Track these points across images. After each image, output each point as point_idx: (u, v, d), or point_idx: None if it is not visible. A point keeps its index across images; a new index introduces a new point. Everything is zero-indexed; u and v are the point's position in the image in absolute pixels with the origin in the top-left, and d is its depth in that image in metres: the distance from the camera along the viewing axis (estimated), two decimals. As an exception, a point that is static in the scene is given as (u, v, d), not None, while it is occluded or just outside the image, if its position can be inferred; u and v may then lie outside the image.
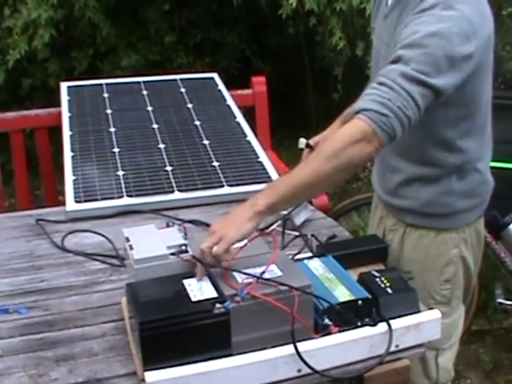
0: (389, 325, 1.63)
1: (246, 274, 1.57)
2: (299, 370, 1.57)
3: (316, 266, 1.81)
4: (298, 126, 5.97)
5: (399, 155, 2.05)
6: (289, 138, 5.92)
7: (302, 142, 2.33)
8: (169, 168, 2.73)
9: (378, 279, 1.75)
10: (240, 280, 1.58)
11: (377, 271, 1.78)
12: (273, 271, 1.61)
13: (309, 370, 1.57)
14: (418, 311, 1.70)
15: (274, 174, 2.73)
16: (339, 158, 1.70)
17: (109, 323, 1.82)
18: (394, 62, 1.79)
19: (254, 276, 1.56)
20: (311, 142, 2.31)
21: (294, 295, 1.53)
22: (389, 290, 1.70)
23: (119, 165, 2.73)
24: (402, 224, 2.14)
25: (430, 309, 1.75)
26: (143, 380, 1.48)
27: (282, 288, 1.55)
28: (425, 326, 1.68)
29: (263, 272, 1.57)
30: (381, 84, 1.77)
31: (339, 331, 1.61)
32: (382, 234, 2.21)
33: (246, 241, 1.74)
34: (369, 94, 1.78)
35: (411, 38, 1.78)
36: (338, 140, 1.74)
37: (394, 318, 1.66)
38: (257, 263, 1.64)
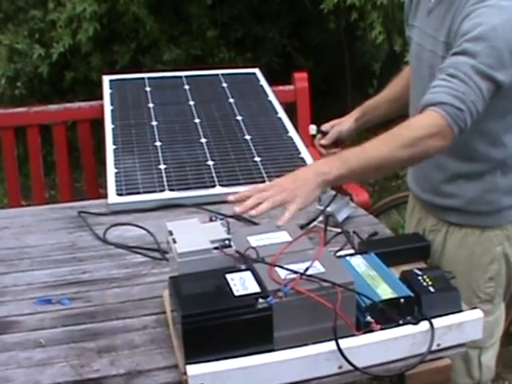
0: (431, 323, 1.62)
1: (289, 270, 1.57)
2: (340, 367, 1.57)
3: (358, 263, 1.80)
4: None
5: (443, 152, 2.02)
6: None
7: (313, 128, 2.38)
8: (210, 162, 2.73)
9: (420, 277, 1.73)
10: (283, 275, 1.58)
11: (419, 269, 1.77)
12: (316, 267, 1.60)
13: (349, 367, 1.56)
14: (460, 310, 1.68)
15: (315, 170, 2.71)
16: (416, 148, 1.74)
17: (150, 316, 1.83)
18: (458, 54, 1.78)
19: (297, 272, 1.55)
20: (323, 127, 2.35)
21: (337, 292, 1.52)
22: (431, 289, 1.69)
23: (161, 158, 2.74)
24: (443, 224, 2.12)
25: (474, 308, 1.72)
26: (185, 373, 1.49)
27: (325, 284, 1.54)
28: (467, 325, 1.67)
29: (307, 268, 1.57)
30: (452, 76, 1.77)
31: (381, 329, 1.60)
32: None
33: (291, 238, 1.75)
34: (441, 85, 1.77)
35: (476, 32, 1.77)
36: (416, 129, 1.76)
37: (435, 316, 1.64)
38: (300, 259, 1.64)
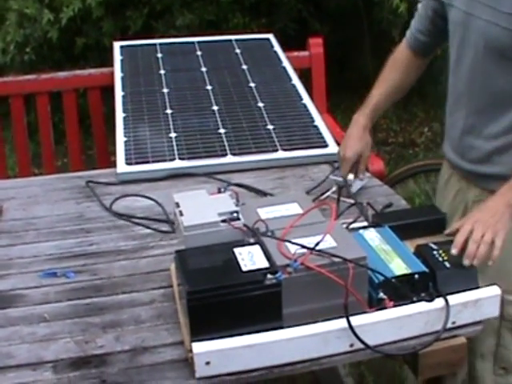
0: (446, 300, 1.56)
1: (299, 245, 1.51)
2: (351, 345, 1.52)
3: (372, 236, 1.74)
4: (355, 88, 5.83)
5: (497, 120, 1.96)
6: (345, 100, 5.82)
7: (351, 179, 2.26)
8: (222, 131, 2.67)
9: (435, 252, 1.67)
10: (293, 250, 1.52)
11: (435, 243, 1.71)
12: (327, 241, 1.55)
13: (361, 345, 1.51)
14: (477, 287, 1.62)
15: (329, 139, 2.65)
16: None
17: (157, 289, 1.79)
18: None
19: (307, 248, 1.50)
20: (352, 157, 2.25)
21: (349, 267, 1.47)
22: (447, 264, 1.63)
23: (171, 127, 2.68)
24: (488, 193, 1.98)
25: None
26: (190, 351, 1.44)
27: (337, 260, 1.48)
28: (484, 302, 1.61)
29: (318, 243, 1.51)
30: None
31: (394, 306, 1.54)
32: (464, 208, 2.11)
33: (303, 210, 1.69)
34: None
35: None
36: None
37: (451, 293, 1.59)
38: (311, 232, 1.58)
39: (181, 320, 1.60)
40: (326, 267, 1.47)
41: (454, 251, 1.65)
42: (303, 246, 1.50)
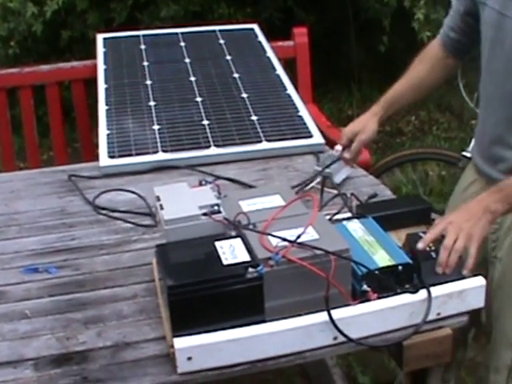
0: (428, 291, 1.55)
1: (280, 238, 1.49)
2: (335, 338, 1.50)
3: (355, 227, 1.72)
4: (342, 78, 5.84)
5: None
6: (332, 90, 5.81)
7: (338, 149, 2.25)
8: (206, 122, 2.65)
9: None
10: (275, 243, 1.50)
11: (425, 233, 1.69)
12: (309, 234, 1.53)
13: (344, 338, 1.49)
14: (463, 277, 1.61)
15: (313, 129, 2.63)
16: None
17: (140, 284, 1.77)
18: None
19: (288, 240, 1.48)
20: (345, 135, 2.24)
21: (331, 260, 1.45)
22: (433, 254, 1.62)
23: (155, 119, 2.66)
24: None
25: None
26: (172, 346, 1.43)
27: (319, 252, 1.47)
28: (469, 293, 1.59)
29: (299, 235, 1.49)
30: None
31: (378, 298, 1.53)
32: None
33: (285, 202, 1.68)
34: None
35: None
36: None
37: (437, 284, 1.58)
38: (294, 224, 1.57)
39: (163, 315, 1.59)
40: (308, 260, 1.46)
41: (420, 245, 1.63)
42: (284, 239, 1.48)
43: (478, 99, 2.98)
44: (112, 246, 1.96)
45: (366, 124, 2.24)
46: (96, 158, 2.56)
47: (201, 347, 1.41)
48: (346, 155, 2.23)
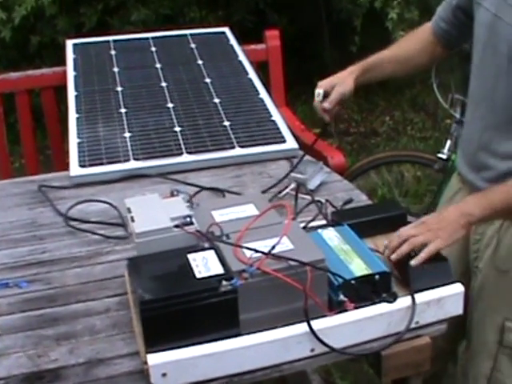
0: (413, 298, 1.53)
1: (254, 250, 1.46)
2: (312, 350, 1.48)
3: (331, 236, 1.70)
4: (315, 79, 5.81)
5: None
6: (305, 92, 5.76)
7: (319, 93, 2.19)
8: (177, 129, 2.61)
9: None
10: (249, 254, 1.47)
11: None
12: (284, 244, 1.50)
13: (322, 350, 1.47)
14: (452, 282, 1.59)
15: (287, 134, 2.60)
16: None
17: (113, 297, 1.73)
18: None
19: (262, 252, 1.45)
20: (323, 87, 2.19)
21: (307, 271, 1.43)
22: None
23: (126, 126, 2.62)
24: None
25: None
26: (146, 362, 1.39)
27: (294, 263, 1.44)
28: (447, 300, 1.57)
29: (274, 246, 1.46)
30: None
31: (355, 308, 1.50)
32: None
33: (259, 212, 1.65)
34: None
35: None
36: None
37: (425, 289, 1.56)
38: (268, 235, 1.54)
39: (136, 329, 1.55)
40: (283, 271, 1.43)
41: (412, 262, 1.61)
42: (257, 251, 1.45)
43: (452, 101, 2.99)
44: (84, 258, 1.92)
45: (343, 79, 2.20)
46: (68, 165, 2.52)
47: (175, 363, 1.38)
48: (326, 105, 2.19)
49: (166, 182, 2.34)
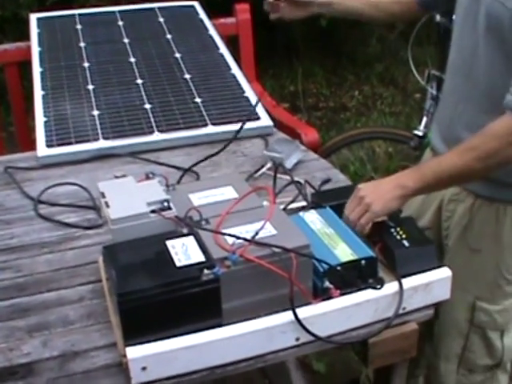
0: (400, 283, 1.48)
1: (236, 237, 1.39)
2: (297, 339, 1.43)
3: (313, 219, 1.64)
4: (283, 53, 5.74)
5: (488, 114, 1.77)
6: (273, 66, 5.71)
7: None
8: (148, 106, 2.53)
9: (393, 230, 1.60)
10: (231, 240, 1.41)
11: (392, 220, 1.63)
12: (267, 229, 1.44)
13: (307, 339, 1.42)
14: (438, 266, 1.55)
15: (261, 112, 2.53)
16: (494, 159, 1.64)
17: (86, 285, 1.66)
18: None
19: (245, 239, 1.38)
20: None
21: (292, 257, 1.37)
22: (405, 243, 1.56)
23: (94, 104, 2.52)
24: (468, 194, 1.92)
25: (499, 289, 1.70)
26: (124, 356, 1.33)
27: (278, 249, 1.38)
28: (435, 285, 1.53)
29: (256, 232, 1.40)
30: None
31: (340, 294, 1.45)
32: (439, 204, 2.02)
33: (238, 194, 1.59)
34: None
35: None
36: (492, 141, 1.64)
37: (409, 274, 1.52)
38: (249, 219, 1.48)
39: (112, 320, 1.48)
40: (267, 258, 1.37)
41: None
42: (239, 238, 1.39)
43: (429, 76, 2.94)
44: (54, 243, 1.84)
45: None
46: (32, 143, 2.42)
47: (156, 356, 1.32)
48: None
49: (137, 162, 2.26)
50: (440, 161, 1.70)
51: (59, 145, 2.31)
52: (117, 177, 2.01)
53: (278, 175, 2.02)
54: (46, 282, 1.67)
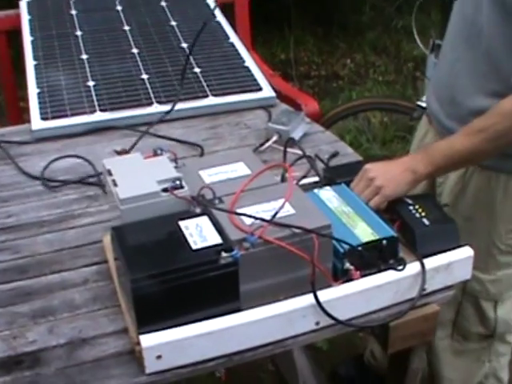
0: (422, 264, 1.42)
1: (255, 217, 1.32)
2: (317, 323, 1.36)
3: (329, 196, 1.57)
4: (274, 20, 5.63)
5: (487, 78, 1.77)
6: (263, 33, 5.60)
7: None
8: (145, 76, 2.43)
9: (411, 208, 1.53)
10: (248, 221, 1.33)
11: (410, 198, 1.56)
12: (284, 209, 1.36)
13: (327, 323, 1.36)
14: (459, 246, 1.49)
15: (262, 82, 2.44)
16: (505, 139, 1.63)
17: (90, 267, 1.58)
18: None
19: (264, 220, 1.31)
20: None
21: (313, 239, 1.29)
22: (425, 222, 1.49)
23: (89, 74, 2.42)
24: None
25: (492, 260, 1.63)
26: (137, 343, 1.25)
27: (298, 230, 1.31)
28: (456, 265, 1.47)
29: (276, 213, 1.32)
30: None
31: (361, 276, 1.38)
32: None
33: (251, 171, 1.51)
34: None
35: None
36: (504, 120, 1.61)
37: (431, 254, 1.45)
38: (265, 198, 1.41)
39: (121, 303, 1.41)
40: (287, 239, 1.30)
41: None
42: (258, 218, 1.31)
43: (433, 46, 2.86)
44: (54, 222, 1.76)
45: None
46: (21, 114, 2.32)
47: (171, 344, 1.25)
48: None
49: (136, 134, 2.16)
50: (450, 144, 1.66)
51: (54, 117, 2.22)
52: (117, 152, 1.95)
53: (288, 149, 1.94)
54: (48, 264, 1.59)
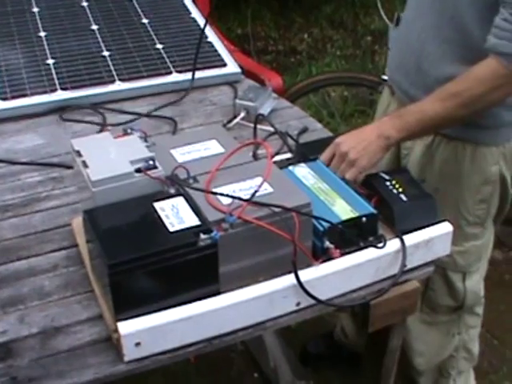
0: (402, 240, 1.40)
1: (233, 197, 1.28)
2: (298, 304, 1.33)
3: (304, 173, 1.53)
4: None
5: (454, 44, 1.74)
6: (219, 7, 5.52)
7: None
8: (106, 53, 2.36)
9: (388, 183, 1.49)
10: (224, 200, 1.29)
11: (386, 173, 1.53)
12: (262, 187, 1.32)
13: (308, 303, 1.33)
14: (438, 221, 1.46)
15: (227, 57, 2.40)
16: (479, 104, 1.62)
17: (59, 251, 1.52)
18: None
19: (242, 199, 1.27)
20: None
21: (293, 217, 1.26)
22: (403, 197, 1.45)
23: (48, 52, 2.35)
24: None
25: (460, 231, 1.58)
26: (115, 331, 1.21)
27: (278, 209, 1.27)
28: (436, 241, 1.45)
29: (255, 192, 1.28)
30: None
31: (341, 254, 1.35)
32: None
33: (224, 149, 1.47)
34: (507, 29, 1.53)
35: None
36: (478, 85, 1.59)
37: (410, 231, 1.43)
38: (241, 176, 1.37)
39: (95, 288, 1.36)
40: (267, 219, 1.26)
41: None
42: (235, 197, 1.27)
43: (398, 19, 2.82)
44: (19, 206, 1.70)
45: None
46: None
47: (150, 330, 1.21)
48: None
49: (100, 113, 2.11)
50: (422, 108, 1.64)
51: (14, 97, 2.14)
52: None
53: (259, 126, 1.89)
54: (15, 250, 1.53)
